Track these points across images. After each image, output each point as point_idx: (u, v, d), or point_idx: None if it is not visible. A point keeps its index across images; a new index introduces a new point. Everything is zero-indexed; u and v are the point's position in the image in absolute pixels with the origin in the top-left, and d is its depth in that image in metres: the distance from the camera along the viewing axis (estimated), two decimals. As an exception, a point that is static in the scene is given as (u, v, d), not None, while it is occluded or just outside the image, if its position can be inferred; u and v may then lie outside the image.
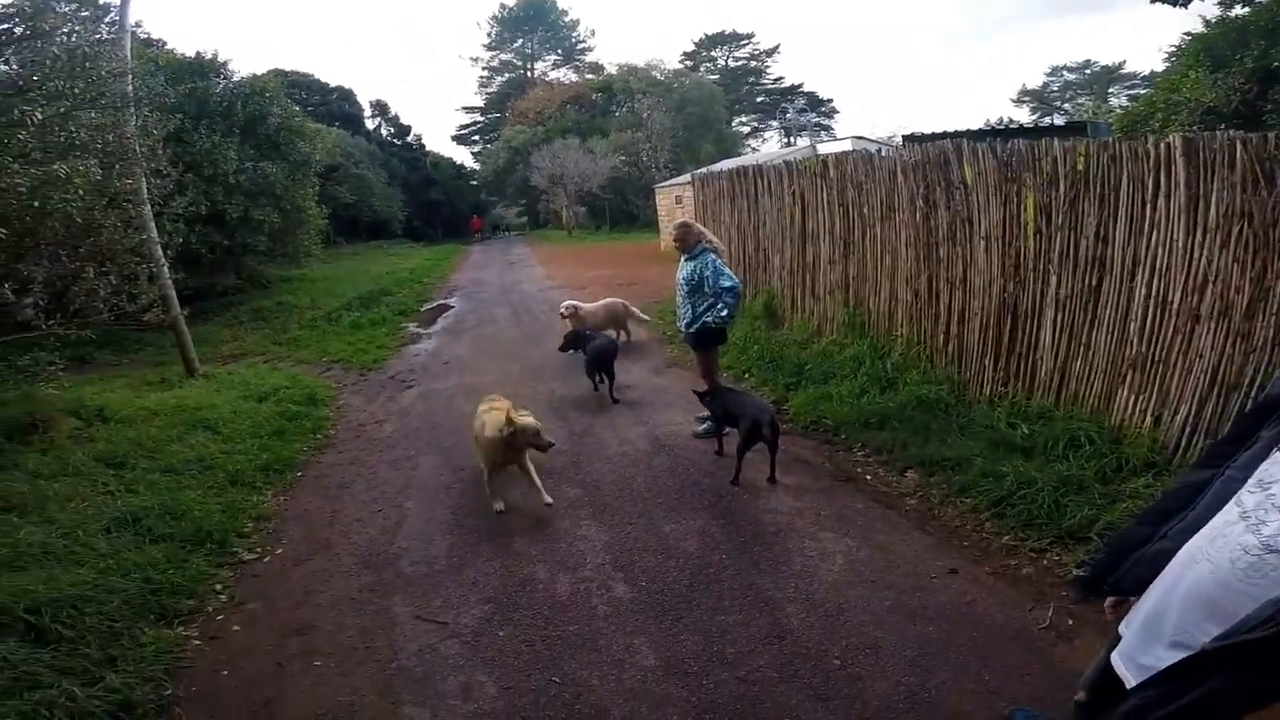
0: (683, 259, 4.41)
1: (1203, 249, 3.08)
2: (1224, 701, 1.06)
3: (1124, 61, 38.78)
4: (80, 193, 4.60)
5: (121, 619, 2.76)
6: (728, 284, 4.17)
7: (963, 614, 2.64)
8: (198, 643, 2.80)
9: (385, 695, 2.43)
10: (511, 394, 5.94)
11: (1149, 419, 3.33)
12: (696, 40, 50.11)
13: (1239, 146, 2.93)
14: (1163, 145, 3.25)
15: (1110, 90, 36.26)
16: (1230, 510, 1.14)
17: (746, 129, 49.08)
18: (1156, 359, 3.30)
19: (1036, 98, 41.75)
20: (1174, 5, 10.56)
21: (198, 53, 13.13)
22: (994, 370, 4.25)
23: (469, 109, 53.32)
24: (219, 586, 3.23)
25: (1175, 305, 3.21)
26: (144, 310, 5.84)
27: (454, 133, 53.81)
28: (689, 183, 10.34)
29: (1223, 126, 8.34)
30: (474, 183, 47.01)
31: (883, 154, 5.34)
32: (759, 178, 7.14)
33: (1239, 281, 2.95)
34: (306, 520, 3.94)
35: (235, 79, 13.29)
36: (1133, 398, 3.41)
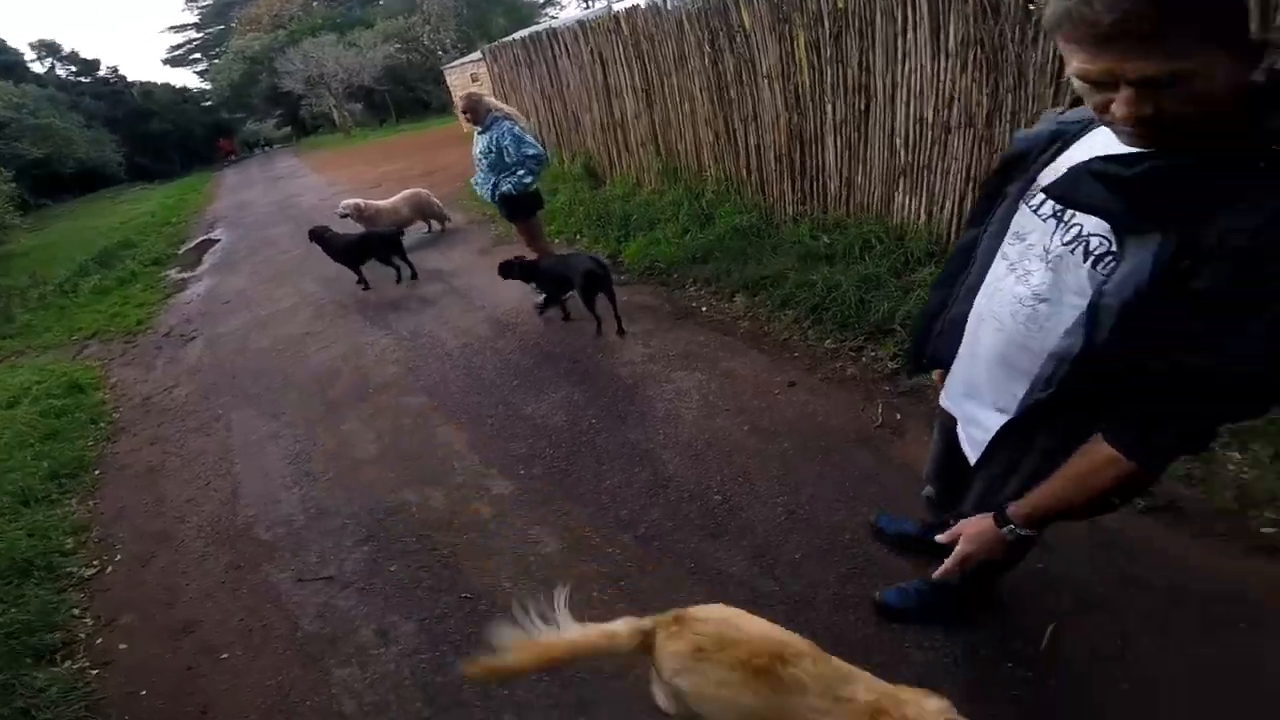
0: (476, 133, 4.23)
1: (947, 72, 3.46)
2: (1058, 457, 1.07)
3: None
4: None
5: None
6: (532, 151, 4.12)
7: (810, 425, 2.84)
8: (95, 671, 2.50)
9: (309, 666, 2.27)
10: (316, 316, 5.53)
11: (923, 216, 3.85)
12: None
13: None
14: None
15: None
16: (999, 265, 1.17)
17: None
18: (921, 166, 3.76)
19: None
20: None
21: None
22: (793, 193, 4.64)
23: (178, 28, 43.80)
24: (77, 611, 2.84)
25: (930, 120, 3.62)
26: None
27: (165, 56, 44.22)
28: (481, 59, 9.62)
29: None
30: (207, 103, 39.54)
31: (669, 5, 5.26)
32: (554, 41, 6.86)
33: (978, 97, 3.36)
34: (129, 517, 3.40)
35: None
36: (907, 200, 3.91)
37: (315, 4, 35.03)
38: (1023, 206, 1.12)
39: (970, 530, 1.20)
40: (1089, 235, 0.96)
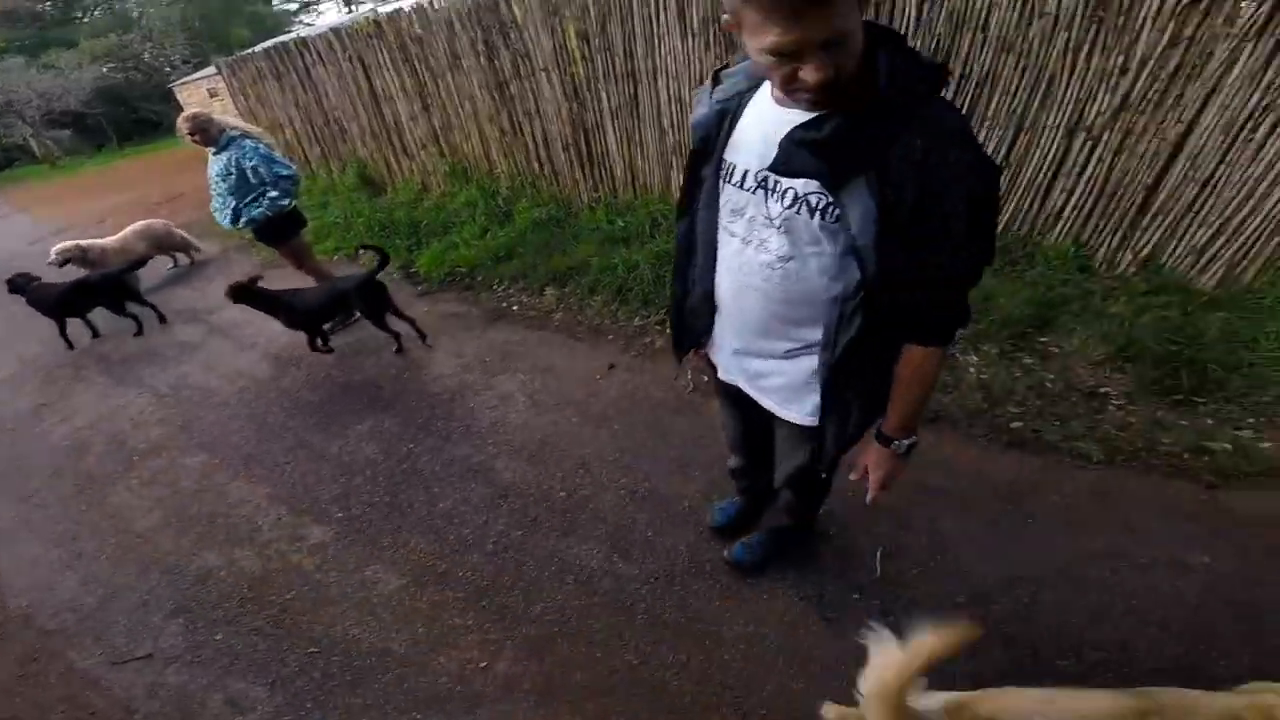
0: (211, 154, 3.75)
1: (694, 51, 3.79)
2: (878, 391, 1.28)
3: None
4: None
5: None
6: (285, 171, 3.75)
7: (633, 403, 2.91)
8: None
9: None
10: (46, 385, 4.49)
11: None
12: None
13: None
14: None
15: None
16: (730, 242, 1.27)
17: (295, 5, 41.23)
18: (687, 145, 4.11)
19: None
20: None
21: None
22: (585, 181, 4.77)
23: None
24: None
25: (688, 100, 3.93)
26: None
27: None
28: (219, 73, 8.55)
29: None
30: None
31: (436, 6, 5.16)
32: (305, 51, 6.32)
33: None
34: None
35: None
36: (679, 177, 4.25)
37: None
38: (726, 186, 1.23)
39: (873, 460, 1.36)
40: (805, 195, 1.11)
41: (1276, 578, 1.89)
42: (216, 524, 2.84)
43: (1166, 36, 2.98)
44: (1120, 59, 3.09)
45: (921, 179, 0.99)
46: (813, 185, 1.09)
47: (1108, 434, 2.47)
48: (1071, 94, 3.23)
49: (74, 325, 4.89)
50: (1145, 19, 2.99)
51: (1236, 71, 2.97)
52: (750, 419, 1.61)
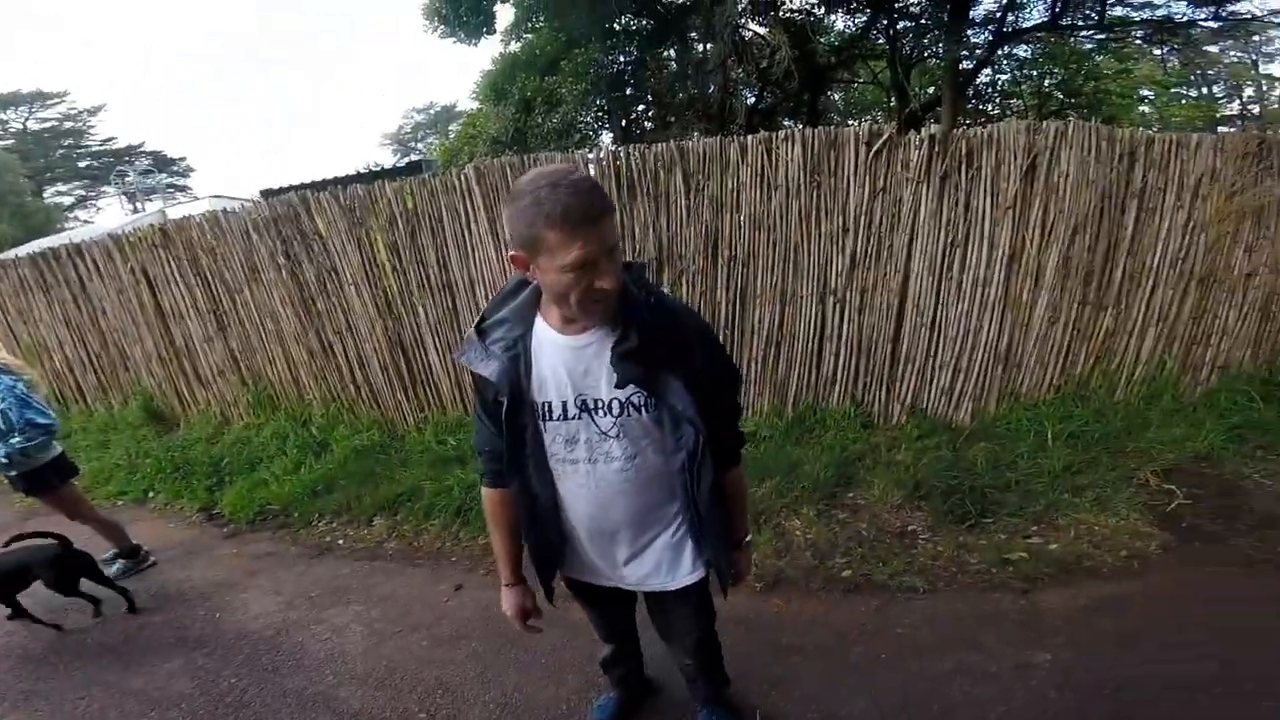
0: None
1: (504, 259, 3.99)
2: (715, 516, 1.53)
3: (457, 100, 44.55)
4: None
5: None
6: (42, 420, 3.29)
7: (487, 618, 2.87)
8: None
9: None
10: None
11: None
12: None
13: (505, 168, 3.94)
14: (461, 176, 4.03)
15: (451, 127, 41.77)
16: (573, 470, 1.42)
17: (69, 199, 37.42)
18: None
19: (395, 140, 44.43)
20: (469, 43, 12.60)
21: None
22: (409, 401, 4.67)
23: None
24: None
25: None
26: None
27: None
28: None
29: (506, 151, 10.84)
30: None
31: (232, 211, 4.95)
32: (79, 257, 5.69)
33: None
34: None
35: None
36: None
37: None
38: (548, 424, 1.38)
39: (740, 560, 1.66)
40: (628, 400, 1.33)
41: (1113, 654, 2.24)
42: None
43: (867, 190, 3.69)
44: (841, 219, 3.74)
45: (702, 352, 1.36)
46: (631, 389, 1.31)
47: (925, 565, 2.90)
48: (814, 261, 3.83)
49: None
50: (849, 177, 3.67)
51: (923, 214, 3.72)
52: (616, 605, 1.81)
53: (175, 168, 40.71)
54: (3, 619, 3.19)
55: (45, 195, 34.91)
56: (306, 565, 3.59)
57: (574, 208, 1.10)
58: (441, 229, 4.19)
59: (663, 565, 1.55)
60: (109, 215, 35.11)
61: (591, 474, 1.41)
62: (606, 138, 13.54)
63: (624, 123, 13.31)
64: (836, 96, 17.36)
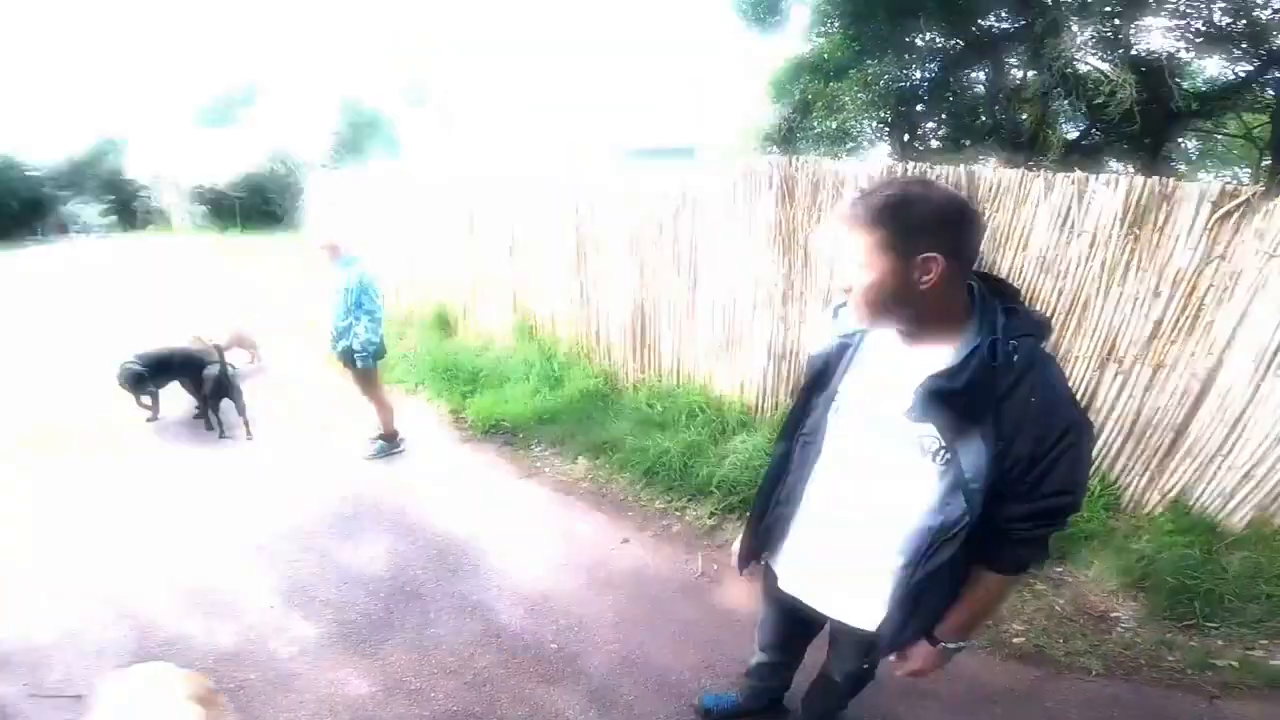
0: (334, 269, 4.12)
1: (755, 251, 4.11)
2: (940, 599, 1.35)
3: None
4: None
5: None
6: (380, 314, 4.11)
7: (640, 577, 3.07)
8: None
9: None
10: (114, 441, 4.70)
11: (738, 388, 4.39)
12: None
13: (775, 169, 3.93)
14: (732, 166, 4.21)
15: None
16: (832, 469, 1.38)
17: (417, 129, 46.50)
18: (734, 341, 4.36)
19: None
20: (763, 35, 12.94)
21: None
22: (634, 360, 5.08)
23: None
24: None
25: (740, 300, 4.26)
26: None
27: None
28: (345, 184, 9.56)
29: (773, 149, 11.00)
30: (34, 174, 35.25)
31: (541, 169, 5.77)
32: (424, 183, 7.06)
33: (776, 277, 4.04)
34: None
35: None
36: (724, 373, 4.47)
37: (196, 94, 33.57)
38: (833, 418, 1.36)
39: (920, 654, 1.42)
40: (921, 437, 1.21)
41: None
42: (208, 597, 2.97)
43: (1198, 254, 3.04)
44: (1154, 280, 3.16)
45: (1033, 433, 1.14)
46: (930, 430, 1.20)
47: (1111, 651, 2.63)
48: (1105, 321, 3.30)
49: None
50: (1179, 236, 3.07)
51: (1267, 295, 2.98)
52: (795, 625, 1.72)
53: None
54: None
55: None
56: (514, 484, 4.10)
57: (847, 210, 1.22)
58: (701, 212, 4.42)
59: (851, 600, 1.45)
60: (434, 146, 41.40)
61: (841, 484, 1.37)
62: (882, 149, 12.97)
63: (906, 137, 12.59)
64: (1189, 144, 14.40)
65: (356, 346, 4.08)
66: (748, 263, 4.17)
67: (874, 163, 4.35)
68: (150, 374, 4.86)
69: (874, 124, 12.45)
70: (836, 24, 11.89)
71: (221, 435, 4.77)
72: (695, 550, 3.27)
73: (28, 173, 35.60)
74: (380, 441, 4.45)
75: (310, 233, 4.20)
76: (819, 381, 1.41)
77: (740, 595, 2.86)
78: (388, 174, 8.01)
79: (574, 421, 4.63)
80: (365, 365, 4.15)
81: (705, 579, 3.05)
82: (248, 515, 3.72)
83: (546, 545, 3.39)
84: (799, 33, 12.72)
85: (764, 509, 1.56)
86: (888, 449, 1.26)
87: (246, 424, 4.84)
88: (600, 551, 3.30)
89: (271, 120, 31.04)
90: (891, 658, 1.46)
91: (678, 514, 3.64)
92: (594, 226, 5.14)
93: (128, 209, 34.69)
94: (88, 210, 39.82)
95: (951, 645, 1.39)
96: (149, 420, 5.01)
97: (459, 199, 6.52)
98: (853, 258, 1.18)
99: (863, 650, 1.53)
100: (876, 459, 1.29)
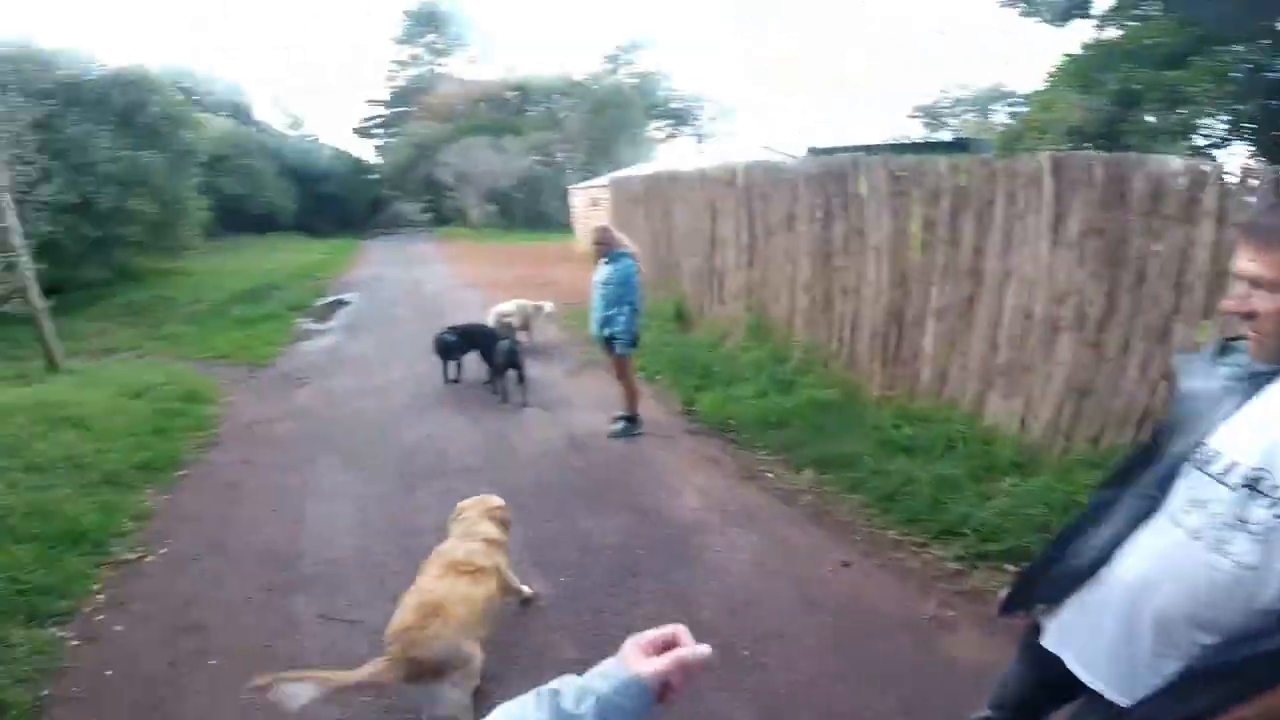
0: (601, 262, 4.47)
1: (1064, 263, 3.37)
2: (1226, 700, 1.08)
3: (1003, 80, 41.80)
4: None
5: None
6: (635, 302, 4.38)
7: (856, 604, 2.80)
8: (76, 643, 2.69)
9: None
10: (418, 396, 5.85)
11: (1017, 422, 3.65)
12: (612, 46, 50.29)
13: (1098, 166, 3.23)
14: (1034, 162, 3.53)
15: (992, 107, 38.77)
16: (1169, 531, 1.17)
17: (660, 134, 49.91)
18: (1022, 366, 3.63)
19: (929, 113, 44.15)
20: (1052, 24, 11.56)
21: (66, 41, 12.29)
22: (881, 374, 4.55)
23: (374, 102, 50.79)
24: (97, 586, 3.09)
25: (1038, 316, 3.51)
26: (3, 300, 5.71)
27: (356, 125, 50.92)
28: (606, 185, 10.46)
29: (1087, 145, 9.34)
30: (374, 177, 44.97)
31: (785, 165, 5.61)
32: (673, 184, 7.33)
33: (1093, 294, 3.25)
34: (194, 520, 3.74)
35: (110, 67, 12.31)
36: (1001, 401, 3.75)
37: (481, 105, 39.93)
38: (1195, 472, 1.14)
39: None
40: (1253, 480, 1.01)
41: None
42: None
43: None
44: None
45: None
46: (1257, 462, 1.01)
47: None
48: None
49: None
50: None
51: None
52: (1045, 690, 1.51)
53: (732, 118, 48.43)
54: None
55: (647, 129, 45.62)
56: (736, 483, 3.95)
57: (1262, 222, 1.08)
58: (990, 213, 3.78)
59: (1120, 668, 1.22)
60: (677, 152, 43.74)
61: (1180, 549, 1.14)
62: (1238, 149, 10.33)
63: (1275, 134, 9.80)
64: None
65: (617, 334, 4.41)
66: (1050, 275, 3.46)
67: (1240, 164, 3.30)
68: (457, 344, 5.96)
69: (1227, 119, 9.92)
70: (1156, 5, 9.84)
71: (504, 401, 5.50)
72: (930, 592, 2.87)
73: (369, 176, 45.34)
74: (624, 422, 4.69)
75: (579, 230, 4.68)
76: (1181, 427, 1.19)
77: (973, 647, 2.51)
78: (639, 175, 8.49)
79: (804, 430, 4.30)
80: (622, 352, 4.49)
81: (934, 623, 2.69)
82: (512, 472, 4.19)
83: (761, 551, 3.24)
84: (1102, 18, 10.81)
85: (1058, 557, 1.37)
86: (1261, 519, 1.03)
87: (524, 394, 5.50)
88: (815, 570, 3.08)
89: (539, 126, 35.02)
90: None
91: (915, 550, 3.19)
92: (844, 224, 4.76)
93: (437, 207, 42.27)
94: (410, 208, 49.45)
95: None
96: (448, 382, 6.08)
97: (702, 196, 6.61)
98: (1260, 279, 1.02)
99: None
100: (1241, 529, 1.05)
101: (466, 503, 2.73)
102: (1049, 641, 1.40)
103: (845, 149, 10.70)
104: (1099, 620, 1.29)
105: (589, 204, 18.10)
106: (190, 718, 2.31)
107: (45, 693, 2.42)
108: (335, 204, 39.11)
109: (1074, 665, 1.33)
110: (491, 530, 2.56)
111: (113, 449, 4.42)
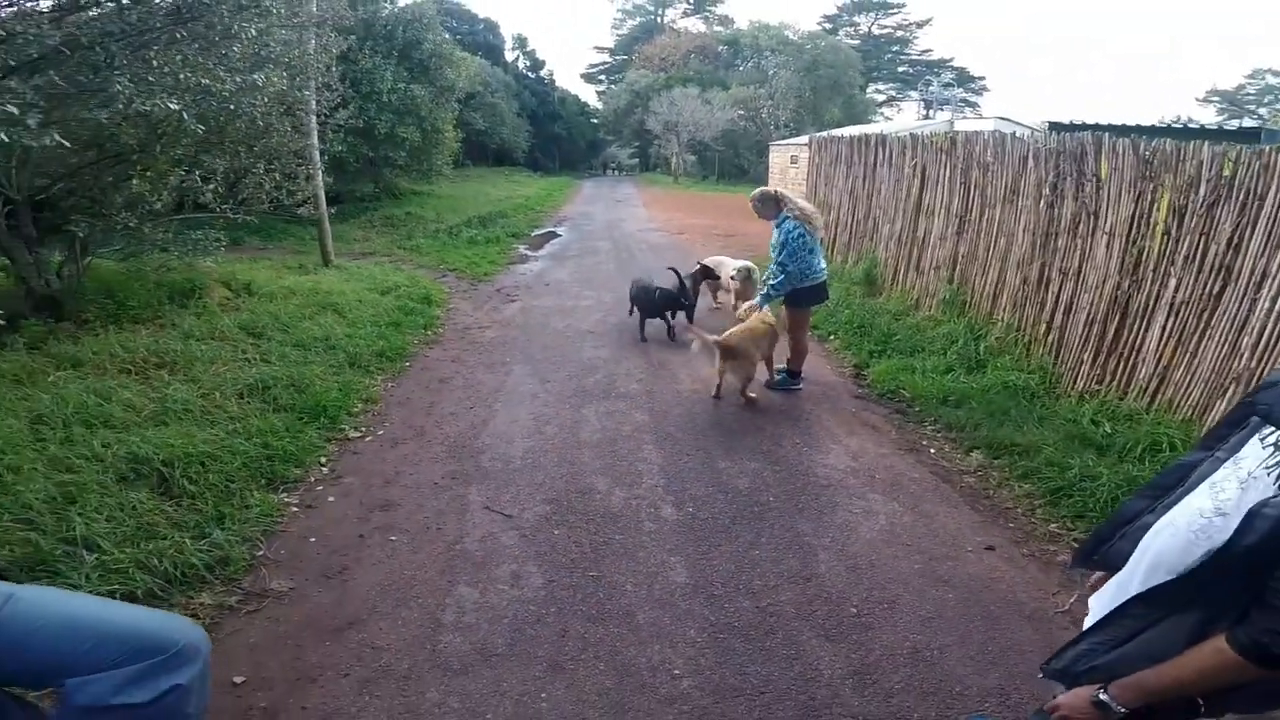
0: (774, 224, 4.52)
1: None
2: (1159, 645, 1.12)
3: None
4: (265, 99, 5.19)
5: (238, 479, 3.07)
6: (787, 264, 4.35)
7: (986, 587, 2.69)
8: (295, 509, 3.08)
9: (445, 574, 2.67)
10: (601, 321, 6.46)
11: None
12: (840, 4, 47.23)
13: None
14: None
15: None
16: (1204, 485, 1.19)
17: (882, 97, 46.47)
18: (1263, 375, 3.11)
19: (1228, 99, 36.45)
20: None
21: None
22: (1091, 366, 4.11)
23: (600, 49, 53.31)
24: (323, 459, 3.53)
25: None
26: (299, 204, 6.75)
27: (584, 70, 53.94)
28: (806, 144, 10.17)
29: None
30: (594, 121, 47.43)
31: (1017, 136, 5.10)
32: (880, 147, 7.02)
33: None
34: (407, 407, 4.30)
35: (399, 4, 14.18)
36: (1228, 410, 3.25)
37: (693, 56, 40.08)
38: (1255, 436, 1.12)
39: (1069, 695, 1.24)
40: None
41: None
42: (621, 463, 3.66)
43: None
44: None
45: None
46: None
47: None
48: None
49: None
50: None
51: None
52: None
53: (972, 85, 43.52)
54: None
55: (867, 91, 42.57)
56: (891, 452, 3.84)
57: None
58: (1258, 207, 3.22)
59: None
60: (904, 117, 40.33)
61: (1196, 493, 1.16)
62: None
63: None
64: None
65: (764, 289, 4.51)
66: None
67: None
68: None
69: None
70: None
71: (671, 338, 5.89)
72: (1074, 587, 2.66)
73: (592, 119, 47.66)
74: (784, 374, 4.76)
75: (760, 190, 4.67)
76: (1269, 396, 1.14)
77: None
78: (844, 135, 8.15)
79: (983, 412, 4.03)
80: (763, 303, 4.57)
81: (1067, 617, 2.53)
82: (668, 404, 4.51)
83: (899, 520, 3.17)
84: None
85: (1134, 514, 1.33)
86: (1258, 470, 1.03)
87: (680, 330, 5.87)
88: (954, 548, 2.95)
89: (747, 81, 34.06)
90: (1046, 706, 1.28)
91: (1074, 545, 2.94)
92: (1076, 204, 4.28)
93: (644, 154, 43.62)
94: (621, 153, 51.59)
95: (1112, 703, 1.13)
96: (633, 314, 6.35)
97: (911, 161, 6.24)
98: None
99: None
100: (1240, 478, 1.07)
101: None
102: (1091, 597, 1.42)
103: (1089, 126, 9.23)
104: (1123, 577, 1.29)
105: (788, 161, 17.66)
106: (362, 586, 2.57)
107: (260, 552, 2.73)
108: (560, 144, 42.14)
109: (1087, 622, 1.34)
110: (770, 318, 4.57)
111: (359, 335, 5.24)
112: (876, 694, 2.14)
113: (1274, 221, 3.15)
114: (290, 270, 7.60)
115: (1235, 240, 3.32)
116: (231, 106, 4.71)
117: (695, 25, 49.57)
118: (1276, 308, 3.10)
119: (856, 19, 47.43)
